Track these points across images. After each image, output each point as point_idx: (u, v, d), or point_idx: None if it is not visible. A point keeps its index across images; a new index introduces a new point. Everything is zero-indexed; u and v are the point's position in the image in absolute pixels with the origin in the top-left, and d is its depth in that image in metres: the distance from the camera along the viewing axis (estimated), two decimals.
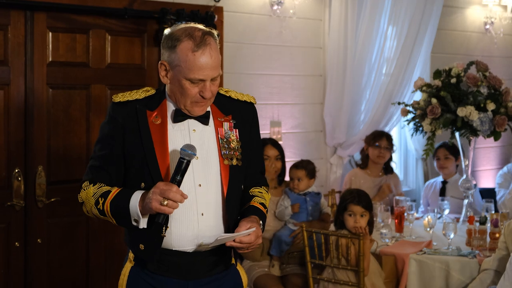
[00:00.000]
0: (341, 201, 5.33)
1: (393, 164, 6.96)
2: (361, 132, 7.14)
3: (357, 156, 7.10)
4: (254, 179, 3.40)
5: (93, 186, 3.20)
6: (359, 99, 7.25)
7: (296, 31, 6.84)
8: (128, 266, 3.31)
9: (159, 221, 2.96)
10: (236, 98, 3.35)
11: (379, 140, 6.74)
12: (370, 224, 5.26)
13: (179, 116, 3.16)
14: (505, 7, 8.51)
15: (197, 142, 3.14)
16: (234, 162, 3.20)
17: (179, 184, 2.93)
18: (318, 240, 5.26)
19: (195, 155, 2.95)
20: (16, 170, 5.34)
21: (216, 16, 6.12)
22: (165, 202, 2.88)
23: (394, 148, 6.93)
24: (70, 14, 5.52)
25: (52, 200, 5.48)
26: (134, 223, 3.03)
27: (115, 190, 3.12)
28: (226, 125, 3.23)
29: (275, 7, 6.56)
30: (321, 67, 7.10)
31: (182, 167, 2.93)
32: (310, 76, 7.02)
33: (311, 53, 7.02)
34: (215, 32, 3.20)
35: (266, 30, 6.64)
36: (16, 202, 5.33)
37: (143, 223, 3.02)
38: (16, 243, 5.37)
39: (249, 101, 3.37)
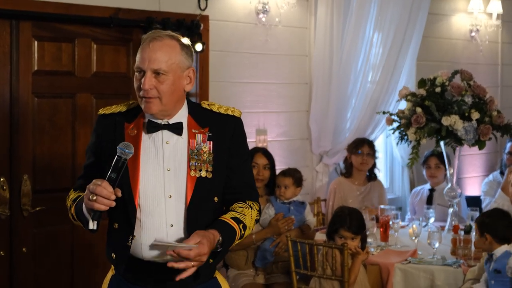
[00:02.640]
0: (333, 221, 5.24)
1: (377, 171, 6.96)
2: (347, 139, 7.14)
3: (343, 164, 7.09)
4: (239, 192, 3.34)
5: (73, 192, 3.30)
6: (345, 107, 7.26)
7: (281, 39, 6.86)
8: (109, 274, 3.36)
9: (92, 218, 2.95)
10: (218, 111, 3.34)
11: (361, 147, 6.75)
12: (363, 240, 5.24)
13: (152, 127, 3.18)
14: (490, 15, 8.55)
15: (170, 154, 3.16)
16: (203, 174, 3.19)
17: (112, 181, 2.91)
18: (302, 250, 5.25)
19: (131, 153, 2.94)
20: (1, 179, 5.33)
21: (202, 25, 6.13)
22: (94, 197, 2.87)
23: (377, 154, 6.93)
24: (55, 23, 5.52)
25: (38, 209, 5.46)
26: (90, 226, 3.02)
27: (83, 194, 3.12)
28: (199, 137, 3.23)
29: (261, 15, 6.57)
30: (307, 75, 7.11)
31: (118, 165, 2.92)
32: (296, 84, 7.03)
33: (296, 61, 7.03)
34: (183, 38, 3.24)
35: (251, 39, 6.65)
36: (1, 211, 5.32)
37: (91, 224, 3.00)
38: (1, 252, 5.35)
39: (231, 114, 3.36)
